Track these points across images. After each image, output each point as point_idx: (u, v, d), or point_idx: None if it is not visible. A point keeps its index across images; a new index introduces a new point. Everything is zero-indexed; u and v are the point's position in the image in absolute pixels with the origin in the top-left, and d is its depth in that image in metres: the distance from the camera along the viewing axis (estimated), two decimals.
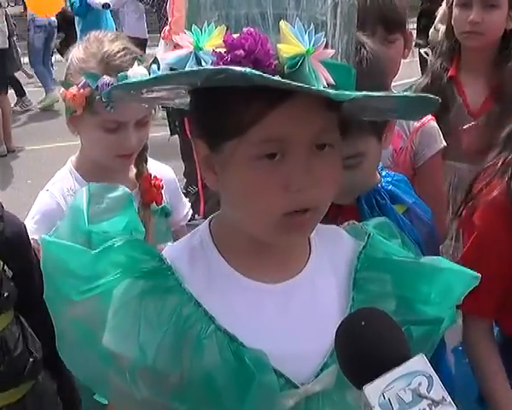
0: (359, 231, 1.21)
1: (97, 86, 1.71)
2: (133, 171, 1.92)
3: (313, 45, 0.92)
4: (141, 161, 1.91)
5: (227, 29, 0.95)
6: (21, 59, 9.40)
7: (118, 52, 1.75)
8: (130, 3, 8.67)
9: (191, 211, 2.15)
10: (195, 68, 0.94)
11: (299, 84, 0.89)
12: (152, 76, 1.01)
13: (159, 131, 5.40)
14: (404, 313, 1.12)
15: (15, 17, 10.54)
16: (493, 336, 1.69)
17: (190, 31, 0.97)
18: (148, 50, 7.18)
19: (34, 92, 9.78)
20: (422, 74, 3.05)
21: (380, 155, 1.59)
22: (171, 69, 0.97)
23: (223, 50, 0.93)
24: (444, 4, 2.93)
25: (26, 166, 7.00)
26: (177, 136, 5.37)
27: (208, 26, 0.96)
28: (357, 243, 1.18)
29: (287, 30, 0.92)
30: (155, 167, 1.97)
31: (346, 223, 1.25)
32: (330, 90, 0.91)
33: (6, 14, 8.33)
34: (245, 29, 0.93)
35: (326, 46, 0.94)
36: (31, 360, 1.67)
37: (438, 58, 2.62)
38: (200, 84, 0.98)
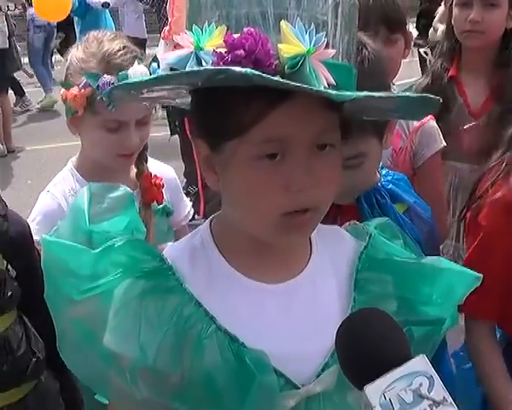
0: (361, 232, 1.21)
1: (98, 86, 1.71)
2: (134, 171, 1.92)
3: (314, 45, 0.92)
4: (141, 160, 1.91)
5: (227, 29, 0.95)
6: (21, 59, 9.39)
7: (118, 51, 1.75)
8: (129, 3, 8.67)
9: (192, 210, 2.15)
10: (196, 69, 0.94)
11: (299, 85, 0.89)
12: (152, 76, 1.02)
13: (159, 131, 5.41)
14: (406, 314, 1.12)
15: (15, 17, 10.54)
16: (496, 337, 1.69)
17: (191, 31, 0.97)
18: (147, 50, 7.18)
19: (34, 92, 9.78)
20: (422, 74, 3.06)
21: (380, 155, 1.59)
22: (172, 69, 0.97)
23: (223, 50, 0.92)
24: (443, 4, 2.94)
25: (25, 167, 7.00)
26: (177, 136, 5.37)
27: (209, 25, 0.96)
28: (358, 243, 1.18)
29: (287, 30, 0.92)
30: (156, 167, 1.97)
31: (348, 223, 1.25)
32: (331, 91, 0.91)
33: (6, 15, 8.33)
34: (245, 29, 0.93)
35: (327, 46, 0.94)
36: (33, 359, 1.67)
37: (438, 58, 2.62)
38: (201, 84, 0.98)
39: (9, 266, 1.63)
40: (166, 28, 5.04)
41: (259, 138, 0.97)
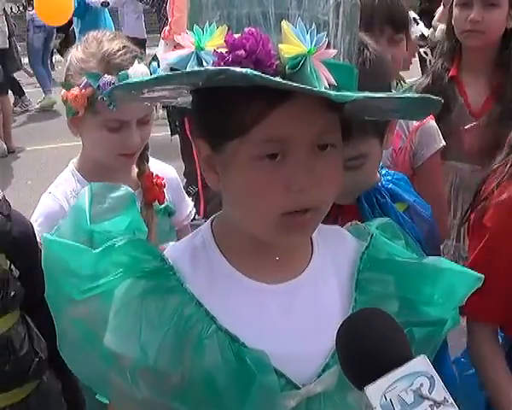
0: (362, 232, 1.21)
1: (99, 86, 1.71)
2: (135, 171, 1.92)
3: (315, 45, 0.92)
4: (142, 160, 1.91)
5: (229, 29, 0.95)
6: (22, 59, 9.39)
7: (118, 51, 1.75)
8: (129, 3, 8.66)
9: (194, 210, 2.15)
10: (196, 69, 0.94)
11: (300, 85, 0.89)
12: (153, 76, 1.02)
13: (160, 132, 5.41)
14: (407, 315, 1.12)
15: (15, 17, 10.55)
16: (498, 339, 1.68)
17: (192, 31, 0.97)
18: (147, 50, 7.18)
19: (34, 93, 9.78)
20: (422, 74, 3.06)
21: (381, 155, 1.59)
22: (173, 69, 0.97)
23: (224, 50, 0.92)
24: (442, 5, 2.96)
25: (25, 167, 7.01)
26: (177, 136, 5.37)
27: (210, 25, 0.95)
28: (359, 243, 1.18)
29: (288, 30, 0.92)
30: (157, 167, 1.97)
31: (349, 223, 1.25)
32: (331, 92, 0.91)
33: (6, 15, 8.33)
34: (246, 29, 0.93)
35: (328, 46, 0.94)
36: (36, 359, 1.67)
37: (439, 58, 2.63)
38: (202, 84, 0.98)
39: (12, 266, 1.63)
40: (166, 28, 5.04)
41: (260, 138, 0.97)
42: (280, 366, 1.04)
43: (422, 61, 5.31)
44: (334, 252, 1.16)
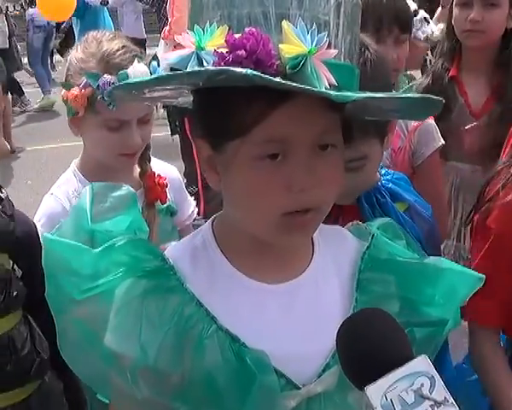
0: (363, 232, 1.21)
1: (98, 85, 1.71)
2: (137, 171, 1.92)
3: (315, 45, 0.91)
4: (144, 159, 1.91)
5: (229, 29, 0.95)
6: (22, 59, 9.39)
7: (117, 50, 1.76)
8: (128, 4, 8.67)
9: (197, 210, 2.14)
10: (196, 69, 0.94)
11: (299, 85, 0.89)
12: (153, 76, 1.02)
13: (160, 131, 5.41)
14: (408, 315, 1.12)
15: (15, 17, 10.54)
16: (500, 341, 1.67)
17: (193, 31, 0.97)
18: (147, 51, 7.17)
19: (34, 93, 9.78)
20: (422, 74, 3.06)
21: (382, 156, 1.59)
22: (173, 69, 0.97)
23: (224, 50, 0.92)
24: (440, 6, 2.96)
25: (25, 167, 7.00)
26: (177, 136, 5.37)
27: (210, 25, 0.95)
28: (360, 243, 1.18)
29: (289, 30, 0.92)
30: (159, 166, 1.97)
31: (350, 223, 1.25)
32: (331, 92, 0.91)
33: (6, 15, 8.33)
34: (247, 29, 0.93)
35: (329, 46, 0.94)
36: (37, 359, 1.67)
37: (439, 58, 2.63)
38: (202, 84, 0.98)
39: (15, 266, 1.63)
40: (166, 28, 5.04)
41: (261, 138, 0.97)
42: (280, 366, 1.04)
43: (422, 61, 5.31)
44: (335, 252, 1.16)
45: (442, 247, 2.27)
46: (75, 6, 7.86)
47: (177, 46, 0.99)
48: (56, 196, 1.83)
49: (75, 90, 1.75)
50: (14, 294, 1.61)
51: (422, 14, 3.21)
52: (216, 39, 0.94)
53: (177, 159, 4.85)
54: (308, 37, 0.91)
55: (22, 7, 10.31)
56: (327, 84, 0.93)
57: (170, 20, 5.04)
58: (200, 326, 1.04)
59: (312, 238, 1.13)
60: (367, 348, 0.87)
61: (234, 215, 1.08)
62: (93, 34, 1.83)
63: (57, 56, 10.01)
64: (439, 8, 4.77)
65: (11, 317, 1.64)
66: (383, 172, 1.68)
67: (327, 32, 0.94)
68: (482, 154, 2.40)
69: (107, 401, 1.22)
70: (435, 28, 3.26)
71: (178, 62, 0.96)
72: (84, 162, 1.90)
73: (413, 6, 3.26)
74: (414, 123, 2.11)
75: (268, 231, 1.03)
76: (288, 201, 0.99)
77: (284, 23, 0.93)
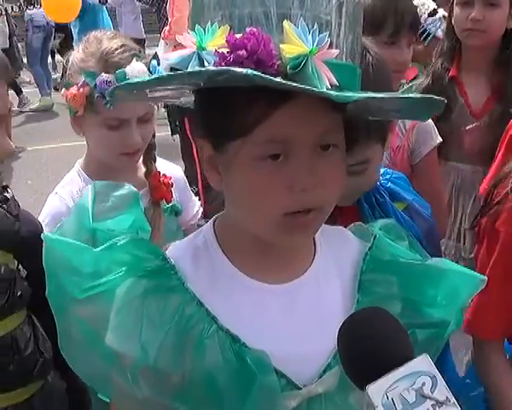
0: (365, 233, 1.20)
1: (96, 84, 1.71)
2: (142, 170, 1.92)
3: (317, 45, 0.91)
4: (149, 159, 1.92)
5: (230, 29, 0.95)
6: (22, 59, 9.38)
7: (116, 49, 1.76)
8: (127, 4, 8.66)
9: (201, 209, 2.15)
10: (197, 69, 0.94)
11: (299, 85, 0.88)
12: (154, 76, 1.01)
13: (161, 131, 5.40)
14: (410, 316, 1.11)
15: (15, 18, 10.54)
16: (504, 347, 1.67)
17: (194, 31, 0.96)
18: (147, 51, 7.17)
19: (34, 93, 9.77)
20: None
21: (382, 157, 1.59)
22: (174, 69, 0.97)
23: (225, 51, 0.92)
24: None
25: (25, 167, 6.99)
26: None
27: (212, 25, 0.95)
28: (363, 244, 1.18)
29: (290, 30, 0.92)
30: (164, 166, 1.98)
31: (353, 224, 1.25)
32: (332, 92, 0.90)
33: (6, 15, 8.32)
34: (248, 29, 0.92)
35: (330, 46, 0.94)
36: (41, 360, 1.67)
37: (438, 58, 2.62)
38: (203, 84, 0.98)
39: (20, 266, 1.64)
40: (166, 28, 5.04)
41: (263, 139, 0.96)
42: (281, 367, 1.04)
43: None
44: (337, 253, 1.15)
45: (443, 248, 2.27)
46: (80, 7, 7.85)
47: (178, 46, 0.99)
48: (61, 196, 1.84)
49: (74, 90, 1.75)
50: (19, 294, 1.61)
51: (442, 12, 3.21)
52: (217, 39, 0.94)
53: (178, 159, 4.84)
54: (309, 37, 0.91)
55: (20, 8, 10.30)
56: (328, 85, 0.92)
57: (170, 20, 5.05)
58: (200, 326, 1.04)
59: (314, 239, 1.13)
60: (368, 347, 0.87)
61: (235, 215, 1.08)
62: (94, 34, 1.84)
63: (58, 57, 9.99)
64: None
65: (15, 317, 1.64)
66: (382, 171, 1.68)
67: (328, 32, 0.94)
68: (483, 154, 2.40)
69: (108, 401, 1.22)
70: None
71: (179, 62, 0.96)
72: (87, 162, 1.90)
73: (432, 5, 3.26)
74: (412, 121, 2.11)
75: (269, 231, 1.03)
76: (289, 201, 0.98)
77: (285, 23, 0.93)
